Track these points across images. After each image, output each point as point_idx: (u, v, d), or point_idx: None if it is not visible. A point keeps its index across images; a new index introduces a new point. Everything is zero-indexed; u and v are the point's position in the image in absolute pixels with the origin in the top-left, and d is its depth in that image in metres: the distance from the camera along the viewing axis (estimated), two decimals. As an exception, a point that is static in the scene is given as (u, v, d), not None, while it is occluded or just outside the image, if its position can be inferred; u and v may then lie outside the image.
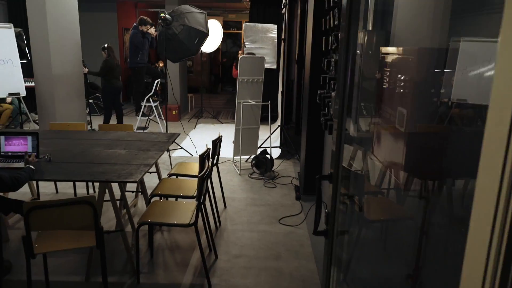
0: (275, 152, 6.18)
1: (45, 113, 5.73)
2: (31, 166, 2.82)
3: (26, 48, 6.61)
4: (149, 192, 3.68)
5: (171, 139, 3.92)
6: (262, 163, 5.31)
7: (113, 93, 7.11)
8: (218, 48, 11.33)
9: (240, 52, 8.98)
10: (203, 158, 3.29)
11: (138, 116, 6.88)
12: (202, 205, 3.23)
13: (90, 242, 2.55)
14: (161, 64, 10.56)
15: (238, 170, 5.56)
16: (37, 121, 6.30)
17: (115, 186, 3.33)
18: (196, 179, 3.66)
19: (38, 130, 4.96)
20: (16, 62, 5.50)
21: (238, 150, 5.63)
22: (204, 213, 3.29)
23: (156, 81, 6.86)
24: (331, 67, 3.53)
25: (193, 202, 3.16)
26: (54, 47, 5.44)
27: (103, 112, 7.40)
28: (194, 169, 3.99)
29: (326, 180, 1.62)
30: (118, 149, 3.50)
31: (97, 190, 4.19)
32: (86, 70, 6.73)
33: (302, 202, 4.49)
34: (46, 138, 3.85)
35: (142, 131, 6.59)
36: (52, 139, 3.82)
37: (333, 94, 3.41)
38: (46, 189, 4.56)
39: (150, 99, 6.77)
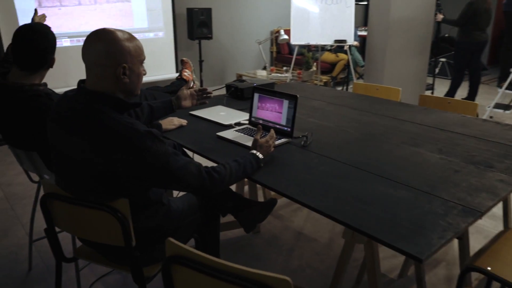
0: None
1: (372, 69, 4.51)
2: (257, 153, 1.62)
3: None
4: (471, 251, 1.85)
5: (552, 148, 1.83)
6: None
7: (471, 50, 5.06)
8: None
9: None
10: None
11: (501, 87, 4.62)
12: None
13: None
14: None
15: None
16: (363, 77, 5.23)
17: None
18: None
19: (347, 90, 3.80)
20: (350, 2, 4.42)
21: None
22: None
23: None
24: None
25: None
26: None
27: (452, 76, 5.51)
28: None
29: None
30: (428, 149, 1.82)
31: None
32: (440, 16, 4.97)
33: None
34: (332, 103, 2.59)
35: (502, 111, 4.38)
36: (339, 106, 2.52)
37: None
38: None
39: (529, 64, 4.33)
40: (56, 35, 1.78)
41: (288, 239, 2.52)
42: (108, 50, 1.26)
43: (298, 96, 1.90)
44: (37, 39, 1.68)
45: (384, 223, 1.24)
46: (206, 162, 1.84)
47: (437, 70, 7.16)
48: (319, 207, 1.33)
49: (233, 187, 2.71)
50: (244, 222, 1.85)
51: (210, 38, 5.50)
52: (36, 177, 2.08)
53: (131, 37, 1.32)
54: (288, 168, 1.63)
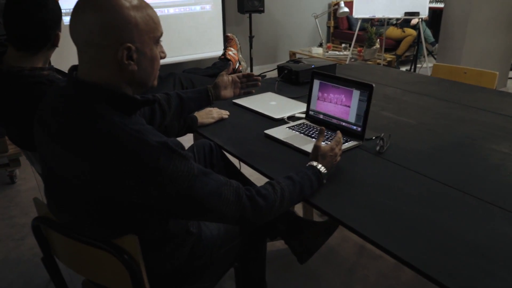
0: None
1: (448, 46, 3.86)
2: (319, 165, 1.19)
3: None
4: None
5: None
6: None
7: None
8: None
9: None
10: None
11: None
12: None
13: None
14: None
15: None
16: (435, 55, 4.55)
17: None
18: None
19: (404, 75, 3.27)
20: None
21: None
22: None
23: None
24: None
25: None
26: None
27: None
28: None
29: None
30: (558, 162, 1.30)
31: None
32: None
33: None
34: (409, 90, 2.08)
35: None
36: (419, 95, 2.01)
37: None
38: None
39: None
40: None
41: (348, 255, 2.10)
42: (104, 22, 0.86)
43: (373, 85, 1.43)
44: (33, 10, 1.31)
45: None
46: (250, 172, 1.45)
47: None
48: (413, 260, 0.89)
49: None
50: (297, 251, 1.44)
51: (262, 11, 5.02)
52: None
53: (141, 4, 0.91)
54: (358, 186, 1.19)
